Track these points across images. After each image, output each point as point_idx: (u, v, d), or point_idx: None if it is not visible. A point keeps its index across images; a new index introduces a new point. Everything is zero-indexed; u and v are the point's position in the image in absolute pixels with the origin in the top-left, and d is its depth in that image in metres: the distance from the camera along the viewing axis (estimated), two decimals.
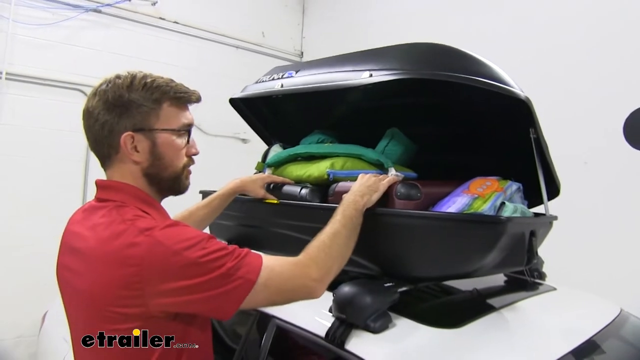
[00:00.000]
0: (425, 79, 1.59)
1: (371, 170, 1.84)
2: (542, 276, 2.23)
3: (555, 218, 1.82)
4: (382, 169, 1.84)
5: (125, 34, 4.66)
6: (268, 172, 2.15)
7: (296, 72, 2.10)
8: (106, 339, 1.22)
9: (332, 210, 1.52)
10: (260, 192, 1.94)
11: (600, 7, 3.70)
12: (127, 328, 1.14)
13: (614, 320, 1.83)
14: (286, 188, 1.95)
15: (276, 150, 2.29)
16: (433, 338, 1.39)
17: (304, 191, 1.85)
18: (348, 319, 1.38)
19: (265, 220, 1.97)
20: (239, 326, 1.82)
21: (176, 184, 1.35)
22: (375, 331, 1.36)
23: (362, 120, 2.26)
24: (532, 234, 1.62)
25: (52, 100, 4.17)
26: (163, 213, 1.34)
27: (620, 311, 1.95)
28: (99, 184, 1.31)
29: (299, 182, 1.96)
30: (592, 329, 1.66)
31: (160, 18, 4.90)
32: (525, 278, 2.12)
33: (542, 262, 2.29)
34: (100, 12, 4.47)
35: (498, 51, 4.18)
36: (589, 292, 2.18)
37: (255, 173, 2.24)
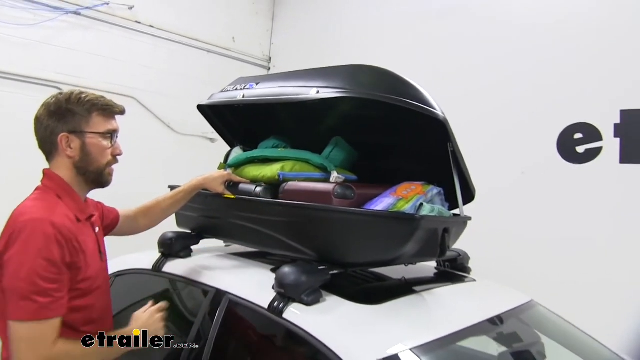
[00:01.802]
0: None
1: (316, 172, 2.14)
2: (466, 270, 2.54)
3: (469, 218, 2.14)
4: (326, 172, 2.14)
5: (102, 36, 4.85)
6: (229, 172, 2.37)
7: (257, 84, 2.38)
8: (106, 339, 1.59)
9: (281, 206, 1.91)
10: (220, 189, 2.21)
11: (538, 26, 4.09)
12: None
13: (520, 306, 2.16)
14: (243, 186, 2.22)
15: (237, 152, 2.54)
16: (355, 311, 1.70)
17: (258, 189, 2.14)
18: (286, 293, 1.68)
19: (224, 213, 2.24)
20: (196, 302, 2.10)
21: (99, 177, 1.71)
22: (308, 304, 1.67)
23: (312, 128, 2.55)
24: (446, 230, 1.93)
25: (32, 97, 4.26)
26: (76, 200, 1.68)
27: (530, 300, 2.27)
28: (43, 172, 1.68)
29: (254, 181, 2.24)
30: (496, 310, 1.98)
31: (137, 22, 5.10)
32: (452, 271, 2.45)
33: (467, 258, 2.59)
34: (79, 14, 4.65)
35: (454, 61, 4.56)
36: (512, 285, 2.48)
37: None
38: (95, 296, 1.65)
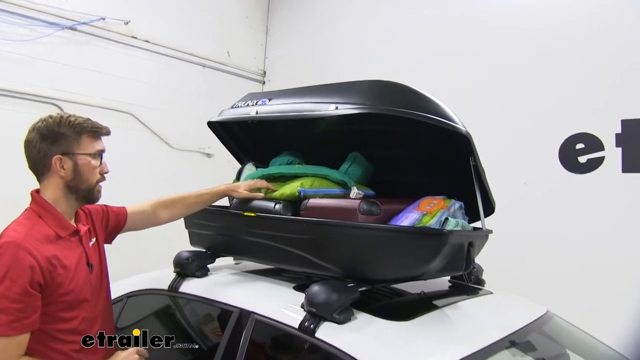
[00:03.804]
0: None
1: (336, 188, 2.13)
2: (481, 282, 2.54)
3: (490, 232, 2.14)
4: (345, 187, 2.13)
5: (99, 51, 4.84)
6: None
7: (269, 100, 2.36)
8: (106, 338, 1.67)
9: (305, 223, 1.88)
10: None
11: (539, 37, 4.14)
12: None
13: (539, 318, 2.16)
14: (261, 203, 2.20)
15: (250, 169, 2.53)
16: (388, 328, 1.69)
17: (278, 206, 2.13)
18: (318, 312, 1.66)
19: (243, 231, 2.21)
20: (219, 323, 2.07)
21: (90, 194, 1.79)
22: (340, 322, 1.65)
23: (326, 143, 2.55)
24: (470, 244, 1.94)
25: (28, 113, 4.21)
26: (59, 218, 1.73)
27: (546, 312, 2.28)
28: (30, 194, 1.76)
29: (271, 198, 2.22)
30: (519, 324, 1.98)
31: (132, 37, 5.09)
32: (466, 284, 2.44)
33: (481, 270, 2.60)
34: (75, 30, 4.64)
35: (452, 73, 4.58)
36: (522, 295, 2.50)
37: None
38: (81, 308, 1.70)
